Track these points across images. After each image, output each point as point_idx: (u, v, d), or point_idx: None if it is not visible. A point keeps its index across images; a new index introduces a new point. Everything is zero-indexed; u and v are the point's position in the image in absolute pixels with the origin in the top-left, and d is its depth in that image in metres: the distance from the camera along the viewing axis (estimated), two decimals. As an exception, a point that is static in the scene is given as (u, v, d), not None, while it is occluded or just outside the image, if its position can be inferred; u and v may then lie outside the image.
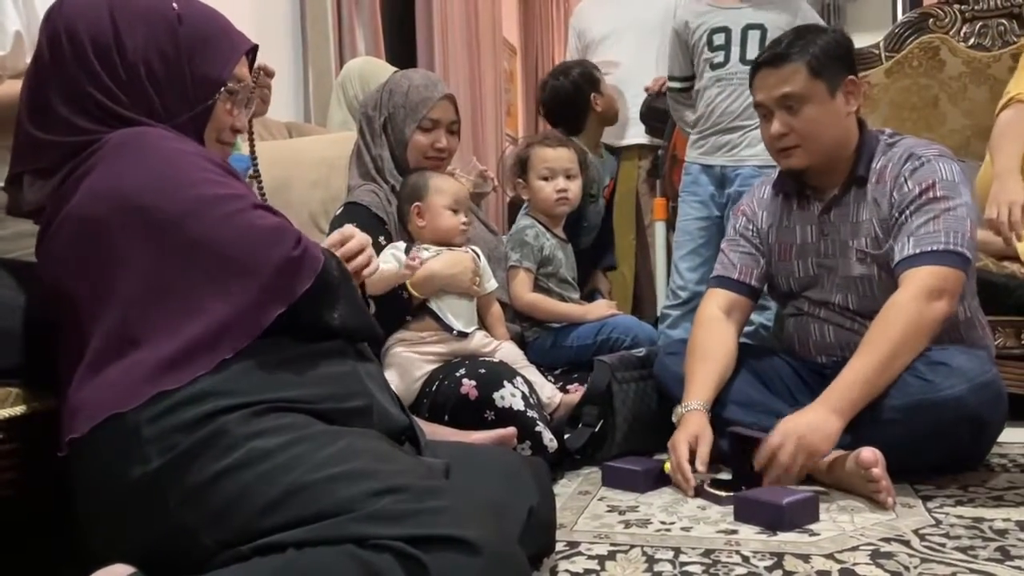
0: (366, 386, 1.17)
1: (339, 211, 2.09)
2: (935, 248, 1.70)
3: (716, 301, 2.01)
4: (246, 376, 1.04)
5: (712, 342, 1.91)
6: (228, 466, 0.96)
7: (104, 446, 1.00)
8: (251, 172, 1.71)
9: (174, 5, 1.20)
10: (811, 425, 1.60)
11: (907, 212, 1.76)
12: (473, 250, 2.05)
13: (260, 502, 0.95)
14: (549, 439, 1.76)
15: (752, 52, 2.61)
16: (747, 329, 2.52)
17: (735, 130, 2.64)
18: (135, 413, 0.99)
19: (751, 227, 2.03)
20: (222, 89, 1.21)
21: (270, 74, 1.90)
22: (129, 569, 0.95)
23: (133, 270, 1.06)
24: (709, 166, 2.70)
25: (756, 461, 1.60)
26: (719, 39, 2.68)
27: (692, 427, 1.74)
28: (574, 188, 2.34)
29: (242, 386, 1.03)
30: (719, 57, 2.67)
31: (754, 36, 2.63)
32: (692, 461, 1.68)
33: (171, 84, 1.18)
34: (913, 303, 1.67)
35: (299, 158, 2.60)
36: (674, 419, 1.81)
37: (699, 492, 1.65)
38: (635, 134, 3.66)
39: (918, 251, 1.72)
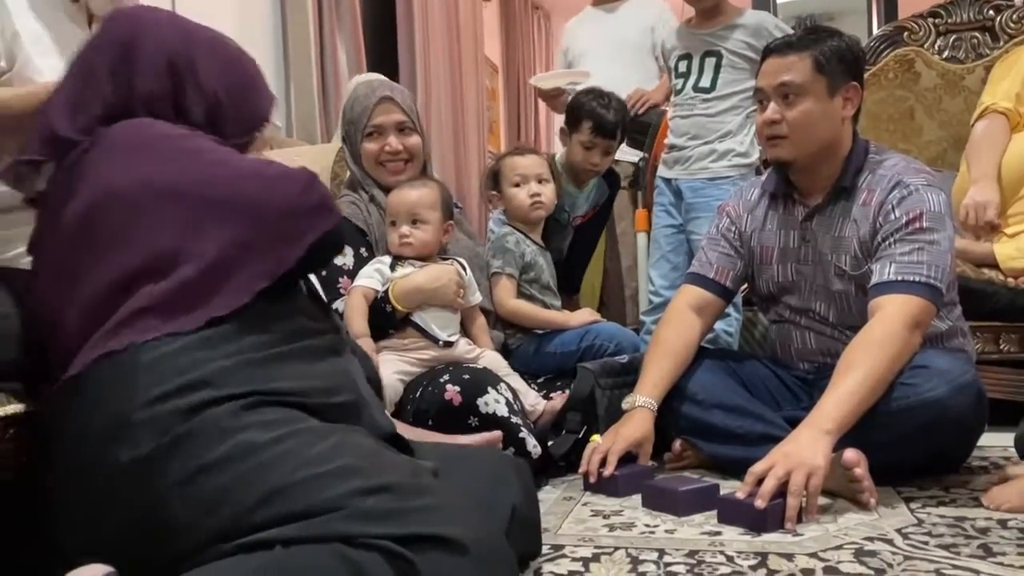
0: (355, 383, 1.17)
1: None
2: (916, 279, 1.70)
3: (687, 298, 2.02)
4: (238, 369, 1.03)
5: (676, 339, 1.94)
6: (217, 458, 0.96)
7: (96, 423, 0.99)
8: None
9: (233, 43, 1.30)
10: (801, 444, 1.54)
11: (891, 239, 1.76)
12: (458, 262, 2.04)
13: (248, 498, 0.94)
14: (533, 445, 1.76)
15: (705, 80, 2.68)
16: (708, 336, 2.56)
17: (684, 147, 2.72)
18: (129, 382, 0.99)
19: (733, 229, 2.04)
20: (264, 124, 1.31)
21: None
22: (106, 568, 0.92)
23: (140, 241, 1.09)
24: (668, 179, 2.80)
25: (741, 488, 1.51)
26: (683, 66, 2.74)
27: (636, 430, 1.78)
28: (547, 192, 2.34)
29: (233, 378, 1.02)
30: (679, 85, 2.75)
31: (710, 63, 2.67)
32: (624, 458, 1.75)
33: (235, 112, 1.26)
34: (900, 331, 1.66)
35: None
36: (624, 406, 1.84)
37: (598, 485, 1.72)
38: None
39: (899, 278, 1.71)
